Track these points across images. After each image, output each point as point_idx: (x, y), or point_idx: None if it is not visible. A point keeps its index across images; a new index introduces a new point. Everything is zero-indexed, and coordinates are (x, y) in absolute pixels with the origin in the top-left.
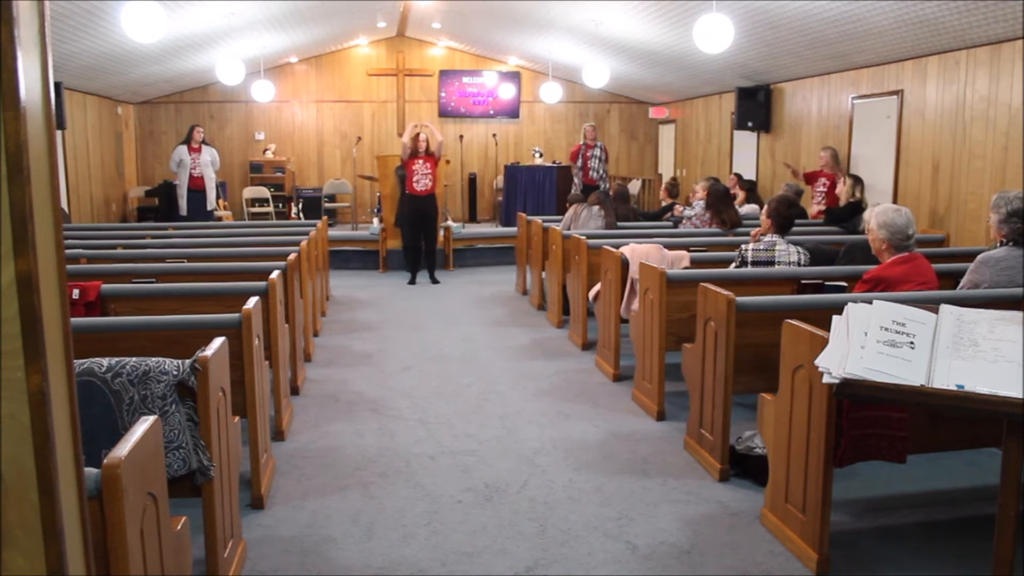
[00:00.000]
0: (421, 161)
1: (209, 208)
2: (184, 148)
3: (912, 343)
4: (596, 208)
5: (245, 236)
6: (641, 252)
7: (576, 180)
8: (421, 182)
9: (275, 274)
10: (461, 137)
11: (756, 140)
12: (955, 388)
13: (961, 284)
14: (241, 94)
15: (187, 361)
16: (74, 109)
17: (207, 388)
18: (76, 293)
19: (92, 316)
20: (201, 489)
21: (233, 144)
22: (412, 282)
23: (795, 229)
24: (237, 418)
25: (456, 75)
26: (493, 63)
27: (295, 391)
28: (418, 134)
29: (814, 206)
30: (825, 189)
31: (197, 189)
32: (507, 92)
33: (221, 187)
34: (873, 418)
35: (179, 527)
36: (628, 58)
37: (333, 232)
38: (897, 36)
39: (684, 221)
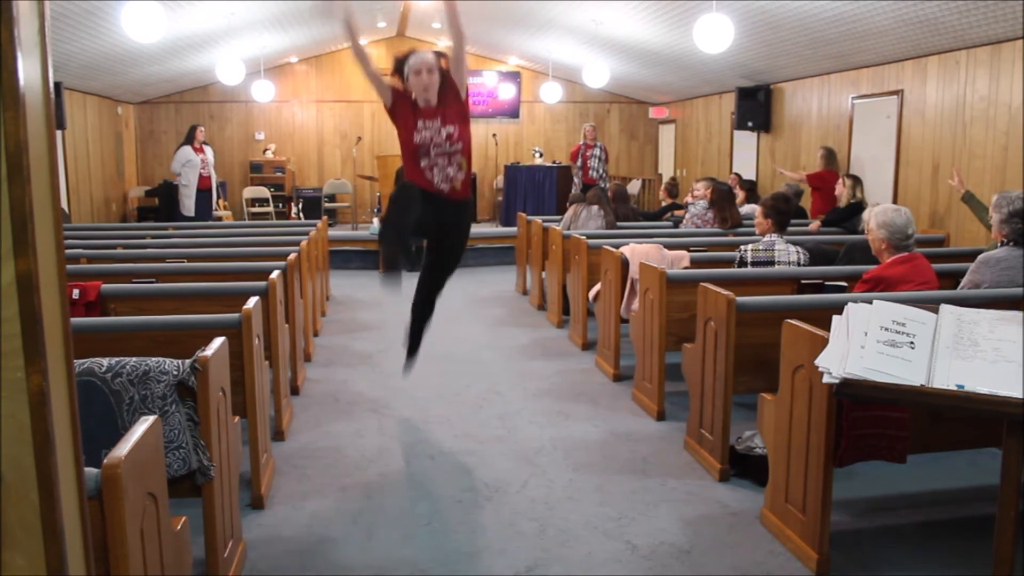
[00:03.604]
0: (435, 122)
1: (212, 208)
2: (190, 148)
3: (912, 343)
4: (596, 208)
5: (245, 236)
6: (641, 252)
7: (576, 180)
8: (442, 171)
9: (275, 274)
10: None
11: (756, 140)
12: (955, 388)
13: (962, 284)
14: (241, 94)
15: (187, 361)
16: (74, 109)
17: (207, 388)
18: (76, 293)
19: (92, 316)
20: (201, 489)
21: (233, 144)
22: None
23: (793, 230)
24: (237, 418)
25: None
26: (493, 63)
27: (295, 391)
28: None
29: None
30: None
31: (205, 188)
32: (507, 92)
33: (221, 187)
34: (873, 418)
35: (179, 527)
36: (628, 58)
37: (333, 232)
38: (897, 36)
39: (686, 220)
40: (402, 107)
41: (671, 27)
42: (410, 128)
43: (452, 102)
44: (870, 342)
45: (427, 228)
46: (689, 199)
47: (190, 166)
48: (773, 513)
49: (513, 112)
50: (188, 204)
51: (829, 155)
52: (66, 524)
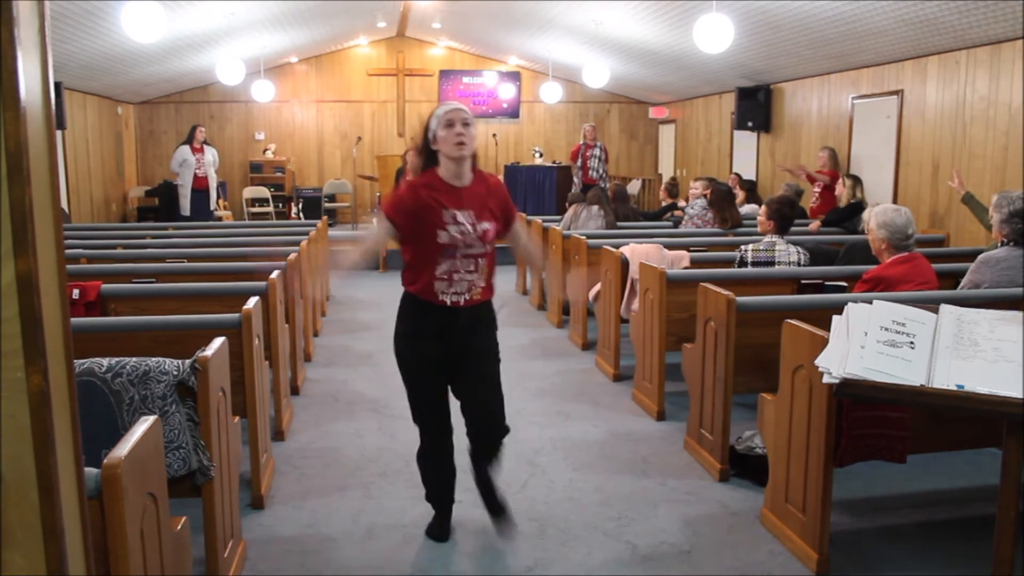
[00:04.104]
0: (469, 215)
1: (210, 208)
2: (187, 148)
3: (912, 343)
4: (596, 208)
5: (245, 236)
6: (641, 252)
7: (576, 180)
8: (462, 279)
9: (275, 274)
10: None
11: (756, 140)
12: (955, 388)
13: (962, 284)
14: (241, 94)
15: (187, 361)
16: (74, 109)
17: (207, 388)
18: (76, 293)
19: (92, 316)
20: (201, 489)
21: (233, 144)
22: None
23: (794, 230)
24: (237, 418)
25: (456, 75)
26: (493, 63)
27: (295, 391)
28: (462, 142)
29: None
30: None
31: (201, 189)
32: (507, 92)
33: (221, 187)
34: (873, 418)
35: (179, 527)
36: (628, 58)
37: (333, 232)
38: (897, 36)
39: (685, 220)
40: (422, 208)
41: (671, 27)
42: (435, 224)
43: (492, 197)
44: (870, 342)
45: (453, 340)
46: (683, 201)
47: (186, 166)
48: (773, 513)
49: (513, 112)
50: (184, 204)
51: (833, 155)
52: (66, 524)
